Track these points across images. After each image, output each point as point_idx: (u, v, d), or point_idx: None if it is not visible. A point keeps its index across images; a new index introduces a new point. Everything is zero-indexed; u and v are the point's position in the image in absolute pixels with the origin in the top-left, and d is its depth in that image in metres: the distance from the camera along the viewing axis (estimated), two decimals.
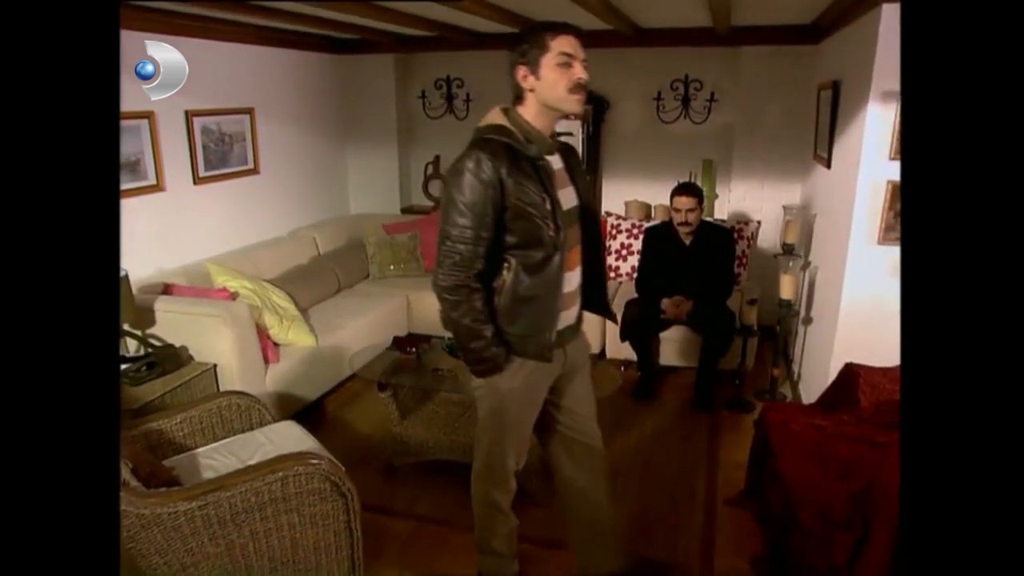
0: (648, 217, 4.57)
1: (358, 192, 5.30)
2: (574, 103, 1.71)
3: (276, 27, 3.91)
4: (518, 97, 1.75)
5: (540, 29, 1.70)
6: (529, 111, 1.74)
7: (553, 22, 1.72)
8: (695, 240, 3.65)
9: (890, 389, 2.36)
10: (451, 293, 1.71)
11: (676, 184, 3.73)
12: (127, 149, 3.24)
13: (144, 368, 2.77)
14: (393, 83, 4.96)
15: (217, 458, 2.21)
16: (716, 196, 4.59)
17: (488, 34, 4.36)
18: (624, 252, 4.38)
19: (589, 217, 1.90)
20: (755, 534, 2.44)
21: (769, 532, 2.31)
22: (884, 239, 2.56)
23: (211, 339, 2.95)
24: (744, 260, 4.19)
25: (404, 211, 5.20)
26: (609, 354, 4.00)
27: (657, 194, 4.53)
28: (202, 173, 3.73)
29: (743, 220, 4.30)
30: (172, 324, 3.00)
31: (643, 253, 3.84)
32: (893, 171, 2.46)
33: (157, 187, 3.42)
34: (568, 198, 1.81)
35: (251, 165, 4.13)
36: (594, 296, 1.97)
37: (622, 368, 3.85)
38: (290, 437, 2.35)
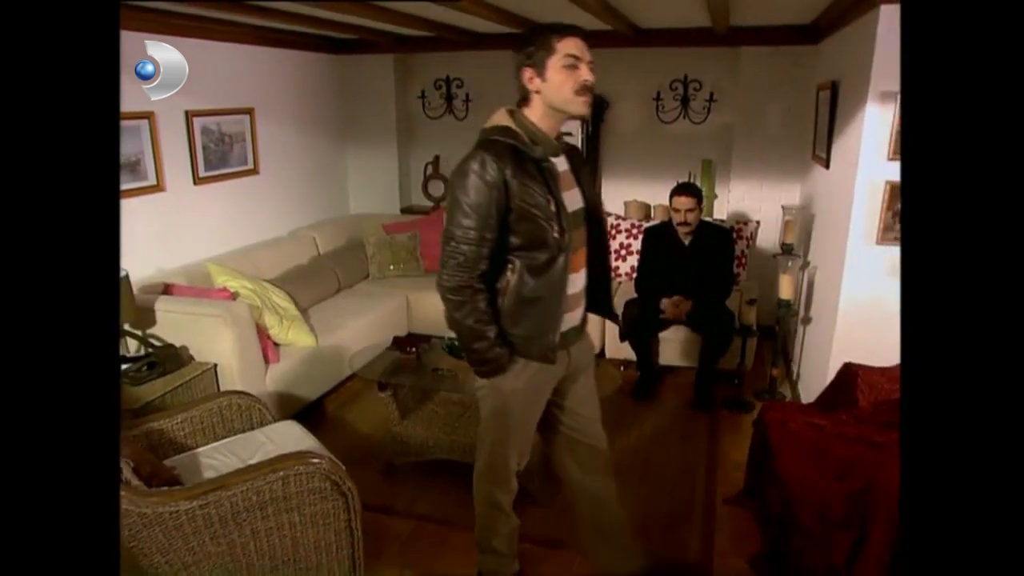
0: (647, 217, 4.58)
1: (358, 192, 5.31)
2: (580, 105, 1.71)
3: (276, 27, 3.92)
4: (524, 99, 1.76)
5: (546, 31, 1.70)
6: (535, 113, 1.74)
7: (559, 24, 1.72)
8: (694, 240, 3.66)
9: (888, 389, 2.37)
10: (455, 294, 1.71)
11: (675, 184, 3.73)
12: (127, 149, 3.25)
13: (145, 368, 2.78)
14: (393, 83, 4.96)
15: (218, 457, 2.22)
16: (715, 196, 4.60)
17: (487, 34, 4.37)
18: (623, 252, 4.38)
19: (595, 219, 1.90)
20: (754, 533, 2.45)
21: (768, 531, 2.31)
22: (882, 239, 2.57)
23: (211, 339, 2.96)
24: (743, 260, 4.19)
25: (404, 211, 5.20)
26: (609, 354, 4.00)
27: (656, 194, 4.54)
28: (202, 173, 3.73)
29: (742, 220, 4.30)
30: (172, 324, 3.00)
31: (642, 253, 3.85)
32: (891, 171, 2.47)
33: (157, 187, 3.43)
34: (573, 200, 1.81)
35: (251, 165, 4.14)
36: (598, 298, 1.97)
37: (622, 368, 3.86)
38: (290, 437, 2.36)
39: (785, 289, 3.41)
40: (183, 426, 2.29)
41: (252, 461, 2.09)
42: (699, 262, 3.63)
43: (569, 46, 1.67)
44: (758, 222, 4.33)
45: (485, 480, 2.02)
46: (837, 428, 2.25)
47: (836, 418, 2.33)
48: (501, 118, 1.76)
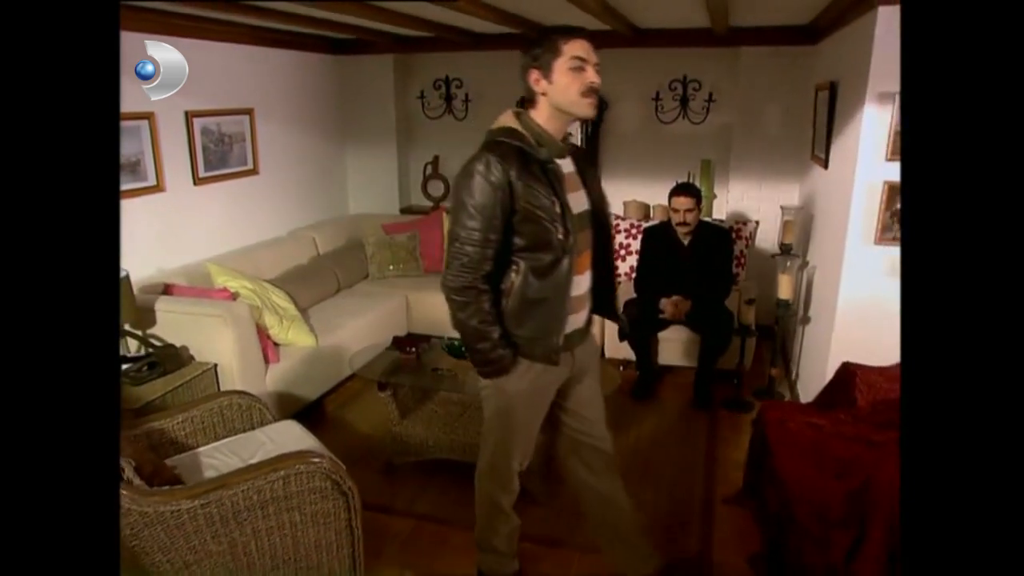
0: (647, 217, 4.59)
1: (357, 192, 5.31)
2: (586, 107, 1.71)
3: (275, 27, 3.92)
4: (530, 100, 1.76)
5: (553, 33, 1.71)
6: (541, 114, 1.75)
7: (566, 26, 1.73)
8: (693, 240, 3.67)
9: (886, 388, 2.38)
10: (459, 294, 1.71)
11: (674, 184, 3.74)
12: (127, 150, 3.25)
13: (145, 368, 2.78)
14: (392, 83, 4.97)
15: (218, 457, 2.22)
16: (714, 196, 4.60)
17: (486, 34, 4.37)
18: (622, 252, 4.39)
19: (600, 221, 1.90)
20: (753, 533, 2.45)
21: (767, 531, 2.32)
22: (881, 239, 2.57)
23: (212, 339, 2.96)
24: (742, 260, 4.20)
25: (403, 211, 5.21)
26: (608, 354, 4.01)
27: (655, 194, 4.54)
28: (202, 173, 3.73)
29: (741, 220, 4.31)
30: (173, 324, 3.01)
31: (641, 253, 3.86)
32: (889, 172, 2.48)
33: (157, 187, 3.43)
34: (579, 202, 1.81)
35: (251, 165, 4.14)
36: (603, 300, 1.97)
37: (621, 368, 3.86)
38: (291, 436, 2.36)
39: (784, 289, 3.42)
40: (184, 426, 2.30)
41: (253, 460, 2.10)
42: (698, 262, 3.64)
43: (575, 48, 1.68)
44: (757, 222, 4.34)
45: (487, 480, 2.02)
46: (835, 427, 2.26)
47: (834, 417, 2.34)
48: (507, 120, 1.76)
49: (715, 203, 4.61)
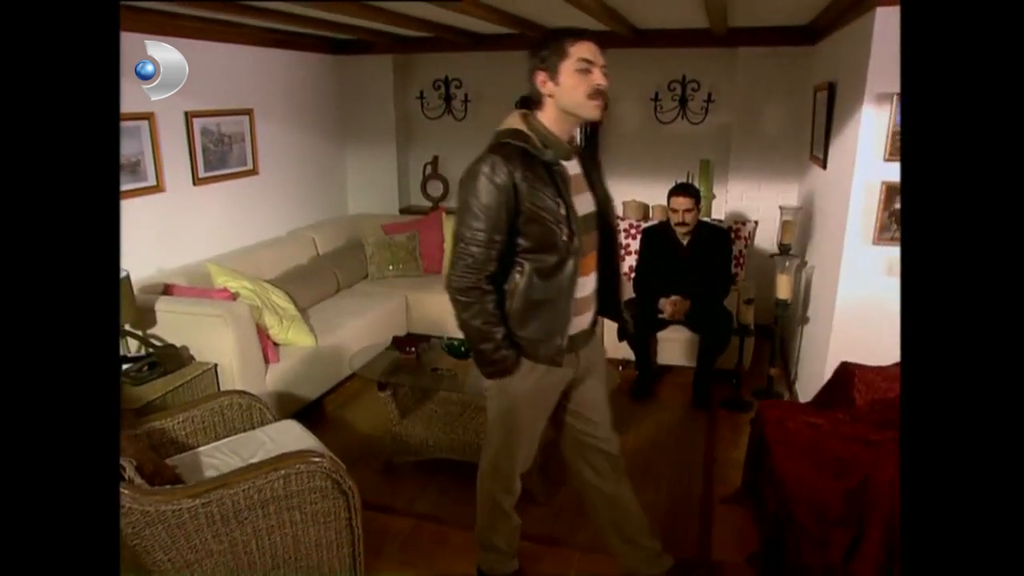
0: (646, 217, 4.59)
1: (357, 192, 5.32)
2: (593, 109, 1.71)
3: (275, 28, 3.93)
4: (537, 102, 1.76)
5: (560, 35, 1.71)
6: (548, 116, 1.75)
7: (573, 28, 1.73)
8: (692, 240, 3.67)
9: (885, 388, 2.38)
10: (463, 295, 1.72)
11: (673, 184, 3.75)
12: (127, 150, 3.25)
13: (146, 368, 2.79)
14: (391, 84, 4.97)
15: (219, 456, 2.23)
16: (713, 196, 4.61)
17: (486, 35, 4.38)
18: (622, 252, 4.39)
19: (606, 223, 1.90)
20: (751, 532, 2.46)
21: (765, 530, 2.33)
22: (879, 239, 2.58)
23: (212, 339, 2.97)
24: (741, 260, 4.21)
25: (403, 211, 5.21)
26: (607, 353, 4.01)
27: (655, 194, 4.55)
28: (202, 174, 3.74)
29: (740, 220, 4.32)
30: (173, 324, 3.01)
31: (641, 253, 3.86)
32: (888, 172, 2.48)
33: (157, 188, 3.44)
34: (585, 204, 1.81)
35: (250, 166, 4.14)
36: (608, 302, 1.97)
37: (620, 367, 3.87)
38: (291, 436, 2.37)
39: (783, 289, 3.43)
40: (184, 425, 2.30)
41: (253, 460, 2.10)
42: (697, 262, 3.65)
43: (582, 50, 1.68)
44: (756, 222, 4.34)
45: (489, 480, 2.03)
46: (834, 427, 2.26)
47: (833, 417, 2.34)
48: (514, 121, 1.76)
49: (714, 203, 4.62)
